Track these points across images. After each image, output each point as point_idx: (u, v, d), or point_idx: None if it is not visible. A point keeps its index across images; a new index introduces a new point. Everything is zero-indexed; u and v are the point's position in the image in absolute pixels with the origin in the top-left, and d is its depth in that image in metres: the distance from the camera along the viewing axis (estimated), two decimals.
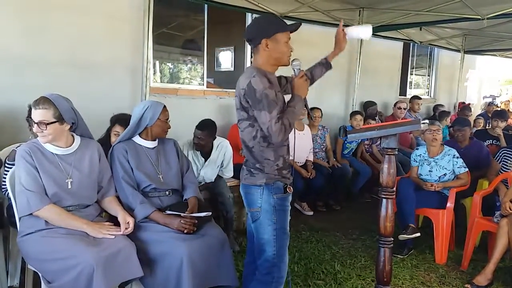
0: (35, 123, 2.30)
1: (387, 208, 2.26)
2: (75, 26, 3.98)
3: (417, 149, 4.33)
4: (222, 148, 3.97)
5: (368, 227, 4.46)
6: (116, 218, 2.51)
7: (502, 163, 4.17)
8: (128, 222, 2.45)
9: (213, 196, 3.86)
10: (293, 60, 2.29)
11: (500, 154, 4.23)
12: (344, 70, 6.72)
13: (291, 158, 2.40)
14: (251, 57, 2.32)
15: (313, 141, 5.33)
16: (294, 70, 2.30)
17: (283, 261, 2.32)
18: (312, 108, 5.32)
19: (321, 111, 5.50)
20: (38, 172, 2.31)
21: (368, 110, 6.57)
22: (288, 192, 2.32)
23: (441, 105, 8.26)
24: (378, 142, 5.67)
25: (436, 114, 7.43)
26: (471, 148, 4.52)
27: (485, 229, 3.69)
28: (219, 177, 4.01)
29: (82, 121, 2.53)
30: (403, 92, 8.45)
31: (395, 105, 6.66)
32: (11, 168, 2.65)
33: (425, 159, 4.12)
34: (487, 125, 7.21)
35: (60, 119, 2.33)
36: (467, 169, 4.00)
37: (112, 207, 2.57)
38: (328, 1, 5.35)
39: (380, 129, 2.25)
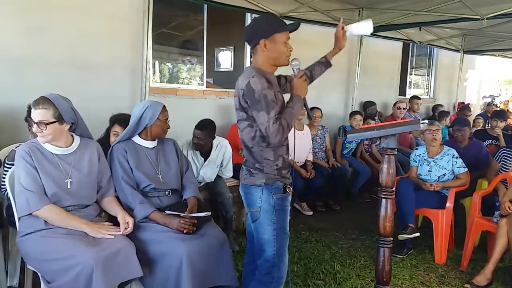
0: (34, 123, 2.30)
1: (386, 208, 2.27)
2: (75, 26, 3.98)
3: (416, 149, 4.33)
4: (222, 148, 3.97)
5: (367, 227, 4.46)
6: (115, 218, 2.52)
7: (502, 163, 4.18)
8: (127, 222, 2.45)
9: (213, 196, 3.86)
10: (293, 60, 2.29)
11: (500, 154, 4.23)
12: (344, 70, 6.73)
13: (290, 158, 2.40)
14: (251, 57, 2.32)
15: (312, 141, 5.33)
16: (293, 70, 2.30)
17: (283, 261, 2.32)
18: (312, 108, 5.32)
19: (321, 111, 5.50)
20: (38, 172, 2.31)
21: (367, 110, 6.58)
22: (288, 192, 2.32)
23: (440, 105, 8.27)
24: (378, 142, 5.69)
25: (436, 114, 7.43)
26: (470, 148, 4.52)
27: (485, 229, 3.70)
28: (218, 177, 4.01)
29: (81, 121, 2.53)
30: (402, 92, 8.45)
31: (394, 105, 6.66)
32: (10, 168, 2.66)
33: (425, 159, 4.12)
34: (487, 125, 7.21)
35: (59, 119, 2.33)
36: (466, 169, 4.01)
37: (112, 207, 2.57)
38: (328, 1, 5.36)
39: (379, 129, 2.25)
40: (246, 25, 5.49)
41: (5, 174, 2.64)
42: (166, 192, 2.76)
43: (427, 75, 9.25)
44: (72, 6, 3.95)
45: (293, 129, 2.29)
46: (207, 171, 3.89)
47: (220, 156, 3.96)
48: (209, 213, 2.68)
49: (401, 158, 5.58)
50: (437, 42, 8.23)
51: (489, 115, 6.91)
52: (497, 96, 11.27)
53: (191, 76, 6.10)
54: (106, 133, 3.27)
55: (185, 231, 2.49)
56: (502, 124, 5.57)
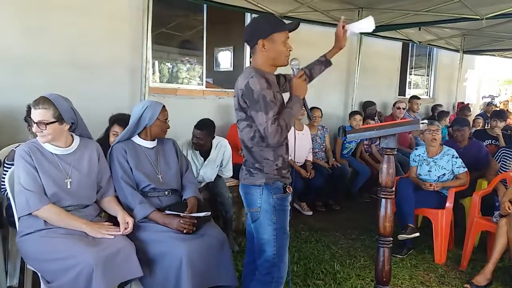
0: (34, 123, 2.30)
1: (386, 208, 2.27)
2: (75, 26, 3.98)
3: (416, 149, 4.33)
4: (221, 147, 3.97)
5: (367, 227, 4.46)
6: (115, 218, 2.51)
7: (501, 163, 4.18)
8: (127, 222, 2.45)
9: (212, 196, 3.86)
10: (292, 59, 2.28)
11: (499, 154, 4.23)
12: (343, 70, 6.73)
13: (290, 158, 2.40)
14: (251, 57, 2.32)
15: (312, 141, 5.33)
16: (292, 70, 2.29)
17: (283, 261, 2.32)
18: (312, 108, 5.32)
19: (321, 111, 5.50)
20: (38, 172, 2.31)
21: (367, 110, 6.58)
22: (288, 192, 2.31)
23: (440, 105, 8.28)
24: (377, 142, 5.69)
25: (435, 114, 7.44)
26: (470, 148, 4.53)
27: (484, 229, 3.70)
28: (218, 177, 4.01)
29: (81, 121, 2.53)
30: (402, 92, 8.45)
31: (394, 105, 6.66)
32: (10, 168, 2.65)
33: (424, 159, 4.12)
34: (486, 125, 7.21)
35: (59, 119, 2.33)
36: (466, 169, 4.01)
37: (112, 207, 2.57)
38: (327, 1, 5.36)
39: (379, 129, 2.25)
40: (245, 25, 5.49)
41: (5, 174, 2.64)
42: (166, 192, 2.76)
43: (427, 75, 9.25)
44: (72, 6, 3.95)
45: (293, 129, 2.29)
46: (207, 171, 3.89)
47: (220, 156, 3.96)
48: (209, 213, 2.68)
49: (401, 158, 5.58)
50: (437, 42, 8.23)
51: (489, 115, 6.91)
52: (496, 96, 11.28)
53: (191, 76, 6.10)
54: (106, 133, 3.27)
55: (185, 231, 2.49)
56: (501, 124, 5.58)
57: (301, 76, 2.27)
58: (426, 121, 3.23)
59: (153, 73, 5.20)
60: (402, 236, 3.71)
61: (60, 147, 2.43)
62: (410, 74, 8.79)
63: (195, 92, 5.19)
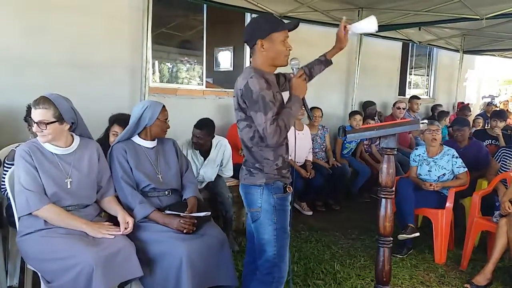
0: (35, 122, 2.30)
1: (386, 208, 2.27)
2: (75, 26, 3.98)
3: (416, 149, 4.33)
4: (221, 146, 3.97)
5: (367, 227, 4.46)
6: (115, 218, 2.51)
7: (501, 163, 4.18)
8: (127, 222, 2.45)
9: (213, 196, 3.86)
10: (292, 59, 2.27)
11: (499, 154, 4.24)
12: (343, 70, 6.73)
13: (290, 158, 2.39)
14: (251, 57, 2.32)
15: (313, 141, 5.33)
16: (292, 69, 2.29)
17: (284, 261, 2.31)
18: (313, 108, 5.33)
19: (322, 111, 5.50)
20: (38, 172, 2.31)
21: (367, 110, 6.58)
22: (288, 191, 2.31)
23: (440, 105, 8.28)
24: (377, 142, 5.69)
25: (435, 114, 7.44)
26: (470, 148, 4.53)
27: (484, 229, 3.70)
28: (218, 176, 4.01)
29: (81, 121, 2.53)
30: (402, 92, 8.45)
31: (394, 105, 6.66)
32: (10, 168, 2.66)
33: (424, 159, 4.12)
34: (486, 125, 7.22)
35: (60, 119, 2.33)
36: (466, 169, 4.01)
37: (112, 207, 2.57)
38: (327, 1, 5.36)
39: (379, 129, 2.25)
40: (245, 25, 5.49)
41: (5, 174, 2.64)
42: (166, 192, 2.76)
43: (427, 75, 9.25)
44: (72, 6, 3.95)
45: (293, 129, 2.29)
46: (207, 171, 3.89)
47: (220, 155, 3.95)
48: (209, 213, 2.68)
49: (401, 158, 5.58)
50: (437, 42, 8.23)
51: (489, 115, 6.91)
52: (496, 96, 11.28)
53: (191, 76, 6.10)
54: (106, 133, 3.27)
55: (185, 231, 2.49)
56: (501, 124, 5.58)
57: (300, 75, 2.26)
58: (426, 121, 3.24)
59: (153, 73, 5.20)
60: (402, 236, 3.71)
61: (60, 147, 2.43)
62: (410, 74, 8.79)
63: (195, 92, 5.19)
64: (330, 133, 5.70)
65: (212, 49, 7.54)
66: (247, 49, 5.76)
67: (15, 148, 2.59)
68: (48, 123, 2.29)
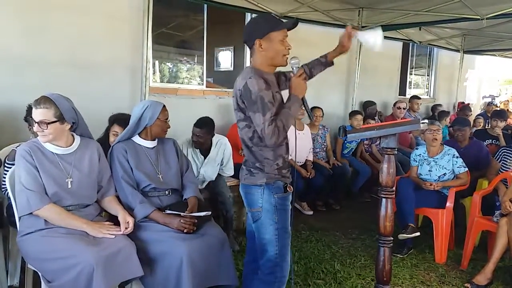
0: (35, 122, 2.30)
1: (386, 208, 2.27)
2: (75, 26, 3.98)
3: (416, 148, 4.34)
4: (221, 145, 3.97)
5: (367, 226, 4.46)
6: (116, 217, 2.52)
7: (502, 163, 4.18)
8: (128, 222, 2.45)
9: (213, 196, 3.86)
10: (292, 58, 2.26)
11: (500, 154, 4.24)
12: (344, 70, 6.73)
13: (290, 157, 2.39)
14: (251, 57, 2.31)
15: (313, 140, 5.33)
16: (292, 68, 2.28)
17: (286, 260, 2.31)
18: (313, 108, 5.32)
19: (322, 111, 5.50)
20: (38, 172, 2.31)
21: (367, 109, 6.58)
22: (289, 191, 2.31)
23: (440, 105, 8.28)
24: (378, 142, 5.69)
25: (435, 114, 7.44)
26: (470, 148, 4.53)
27: (485, 229, 3.70)
28: (219, 176, 4.01)
29: (82, 120, 2.53)
30: (402, 92, 8.45)
31: (394, 104, 6.66)
32: (10, 167, 2.66)
33: (425, 159, 4.12)
34: (487, 125, 7.22)
35: (60, 118, 2.33)
36: (466, 169, 4.01)
37: (112, 206, 2.57)
38: (328, 1, 5.36)
39: (379, 129, 2.25)
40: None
41: (6, 174, 2.65)
42: (166, 192, 2.76)
43: (427, 75, 9.25)
44: (72, 6, 3.95)
45: (293, 128, 2.28)
46: (207, 170, 3.89)
47: (220, 154, 3.95)
48: (209, 213, 2.69)
49: (401, 158, 5.58)
50: (437, 42, 8.23)
51: (489, 115, 6.91)
52: (497, 96, 11.28)
53: (191, 76, 6.10)
54: (106, 133, 3.26)
55: (185, 231, 2.50)
56: (502, 124, 5.58)
57: (300, 75, 2.25)
58: (426, 121, 3.24)
59: (154, 73, 5.20)
60: (402, 236, 3.71)
61: (61, 146, 2.43)
62: (411, 74, 8.78)
63: (195, 92, 5.20)
64: (330, 133, 5.70)
65: (212, 49, 7.55)
66: (248, 49, 5.76)
67: (16, 148, 2.59)
68: (49, 123, 2.29)
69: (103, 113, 3.33)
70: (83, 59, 4.07)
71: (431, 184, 3.94)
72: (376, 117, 6.27)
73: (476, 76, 10.39)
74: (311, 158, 5.17)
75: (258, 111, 2.10)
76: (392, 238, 2.32)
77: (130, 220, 2.46)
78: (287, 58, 2.25)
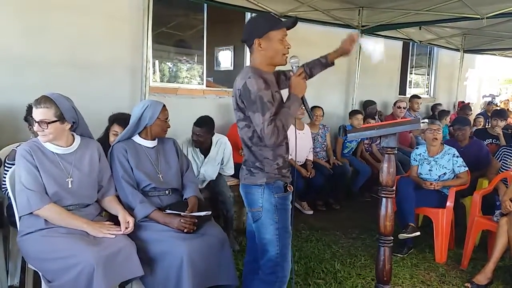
0: (36, 122, 2.30)
1: (387, 207, 2.27)
2: (75, 26, 3.98)
3: (417, 148, 4.34)
4: (221, 144, 3.97)
5: (368, 226, 4.46)
6: (116, 217, 2.52)
7: (502, 162, 4.18)
8: (128, 222, 2.45)
9: (214, 195, 3.86)
10: (291, 57, 2.25)
11: (500, 153, 4.24)
12: (344, 69, 6.72)
13: (291, 157, 2.39)
14: (250, 56, 2.31)
15: (314, 140, 5.33)
16: (292, 67, 2.27)
17: (287, 260, 2.31)
18: (314, 107, 5.32)
19: (323, 110, 5.50)
20: (39, 171, 2.31)
21: (367, 109, 6.58)
22: (289, 190, 2.31)
23: (439, 104, 8.28)
24: (378, 141, 5.69)
25: (435, 113, 7.43)
26: (471, 147, 4.53)
27: (485, 228, 3.70)
28: (219, 175, 4.01)
29: (82, 120, 2.53)
30: (402, 91, 8.45)
31: (394, 104, 6.66)
32: (11, 167, 2.66)
33: (425, 158, 4.12)
34: (487, 124, 7.22)
35: (61, 118, 2.33)
36: (467, 168, 4.01)
37: (112, 206, 2.57)
38: (328, 0, 5.36)
39: (379, 128, 2.25)
40: None
41: (6, 174, 2.65)
42: (167, 192, 2.76)
43: (427, 74, 9.24)
44: (72, 6, 3.95)
45: (293, 128, 2.28)
46: (207, 169, 3.89)
47: (220, 153, 3.95)
48: (209, 213, 2.69)
49: (402, 157, 5.58)
50: (437, 42, 8.23)
51: (489, 114, 6.91)
52: (497, 95, 11.28)
53: (191, 75, 6.10)
54: (106, 132, 3.26)
55: (185, 231, 2.50)
56: (502, 123, 5.58)
57: (300, 74, 2.24)
58: (426, 120, 3.24)
59: (154, 73, 5.20)
60: (402, 235, 3.71)
61: (61, 146, 2.43)
62: (411, 73, 8.78)
63: (195, 92, 5.19)
64: (330, 132, 5.70)
65: (212, 48, 7.55)
66: (248, 49, 5.75)
67: (16, 147, 2.60)
68: (49, 123, 2.29)
69: (103, 113, 3.32)
70: (83, 59, 4.07)
71: (431, 184, 3.94)
72: (376, 117, 6.26)
73: (476, 75, 10.39)
74: (311, 157, 5.17)
75: (258, 111, 2.09)
76: (392, 238, 2.32)
77: (130, 220, 2.46)
78: (287, 57, 2.25)
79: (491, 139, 5.46)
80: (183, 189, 2.85)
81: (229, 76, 7.04)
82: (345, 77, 6.82)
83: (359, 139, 5.76)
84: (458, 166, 4.00)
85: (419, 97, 7.27)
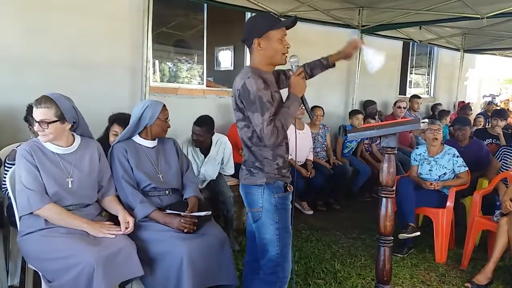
0: (36, 121, 2.30)
1: (387, 207, 2.27)
2: (75, 26, 3.98)
3: (417, 148, 4.33)
4: (221, 144, 3.97)
5: (368, 226, 4.46)
6: (116, 217, 2.52)
7: (502, 162, 4.18)
8: (128, 222, 2.45)
9: (214, 195, 3.86)
10: (291, 56, 2.25)
11: (500, 153, 4.24)
12: (344, 69, 6.72)
13: (291, 157, 2.38)
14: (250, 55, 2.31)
15: (314, 140, 5.33)
16: (291, 67, 2.27)
17: (287, 260, 2.31)
18: (314, 107, 5.32)
19: (323, 110, 5.49)
20: (39, 171, 2.31)
21: (367, 109, 6.58)
22: (289, 190, 2.31)
23: (439, 104, 8.28)
24: (378, 141, 5.69)
25: (435, 113, 7.43)
26: (471, 147, 4.53)
27: (485, 228, 3.70)
28: (219, 175, 4.01)
29: (83, 120, 2.53)
30: (402, 91, 8.45)
31: (394, 104, 6.66)
32: (11, 167, 2.66)
33: (425, 158, 4.12)
34: (487, 124, 7.22)
35: (61, 118, 2.33)
36: (467, 168, 4.01)
37: (112, 206, 2.57)
38: (328, 0, 5.35)
39: (379, 128, 2.25)
40: None
41: (6, 174, 2.65)
42: (167, 192, 2.76)
43: (427, 74, 9.24)
44: (72, 6, 3.95)
45: (293, 128, 2.28)
46: (208, 169, 3.89)
47: (220, 153, 3.95)
48: (209, 213, 2.68)
49: (402, 157, 5.58)
50: (437, 41, 8.23)
51: (490, 114, 6.91)
52: (497, 95, 11.28)
53: (191, 75, 6.10)
54: (106, 132, 3.26)
55: (185, 231, 2.50)
56: (502, 123, 5.58)
57: (299, 73, 2.24)
58: (426, 120, 3.24)
59: (154, 73, 5.20)
60: (402, 235, 3.71)
61: (62, 146, 2.43)
62: (411, 73, 8.78)
63: (195, 92, 5.19)
64: (330, 132, 5.69)
65: (212, 48, 7.55)
66: (248, 48, 5.75)
67: (16, 147, 2.60)
68: (49, 122, 2.30)
69: (103, 113, 3.32)
70: (83, 59, 4.07)
71: (431, 184, 3.94)
72: (376, 117, 6.26)
73: (476, 75, 10.38)
74: (311, 157, 5.17)
75: (257, 111, 2.09)
76: (392, 238, 2.32)
77: (130, 220, 2.46)
78: (286, 56, 2.24)
79: (491, 139, 5.46)
80: (183, 189, 2.85)
81: (229, 76, 7.03)
82: (345, 77, 6.82)
83: (359, 139, 5.76)
84: (458, 166, 4.00)
85: (419, 97, 7.27)
